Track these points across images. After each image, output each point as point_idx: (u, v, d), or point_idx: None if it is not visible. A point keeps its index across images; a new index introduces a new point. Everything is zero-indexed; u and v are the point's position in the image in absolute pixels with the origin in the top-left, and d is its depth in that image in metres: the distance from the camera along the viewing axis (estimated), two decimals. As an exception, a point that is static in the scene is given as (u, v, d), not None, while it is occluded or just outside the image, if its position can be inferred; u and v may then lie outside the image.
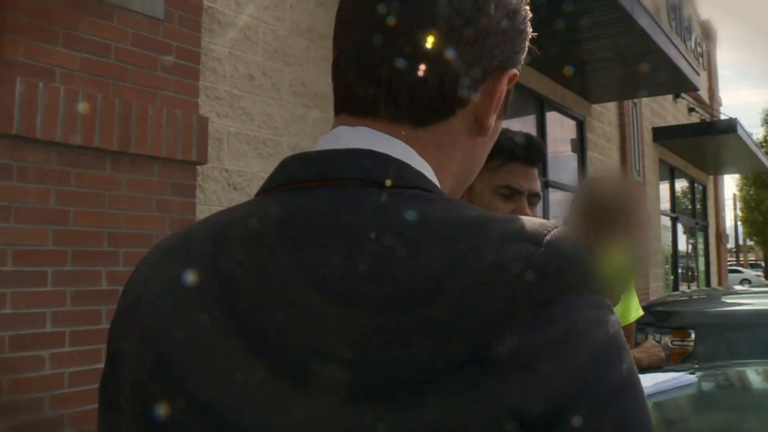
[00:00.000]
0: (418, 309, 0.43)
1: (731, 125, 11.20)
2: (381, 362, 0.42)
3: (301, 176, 0.56)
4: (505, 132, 1.48)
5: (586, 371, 0.42)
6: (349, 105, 0.61)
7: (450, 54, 0.59)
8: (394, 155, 0.57)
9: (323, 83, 4.45)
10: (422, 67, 0.58)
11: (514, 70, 0.64)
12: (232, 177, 3.78)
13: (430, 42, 0.58)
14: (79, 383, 2.76)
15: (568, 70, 6.86)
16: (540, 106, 7.65)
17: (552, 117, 8.03)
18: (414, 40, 0.58)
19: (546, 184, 7.43)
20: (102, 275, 2.89)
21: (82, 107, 2.76)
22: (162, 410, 0.48)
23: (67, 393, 2.72)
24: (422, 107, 0.59)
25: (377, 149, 0.57)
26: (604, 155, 9.18)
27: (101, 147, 2.87)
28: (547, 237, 0.47)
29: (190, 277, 0.52)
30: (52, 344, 2.70)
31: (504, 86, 0.63)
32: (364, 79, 0.60)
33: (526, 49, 0.68)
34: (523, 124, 7.22)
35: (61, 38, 2.83)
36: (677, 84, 8.58)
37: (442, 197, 0.54)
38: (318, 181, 0.55)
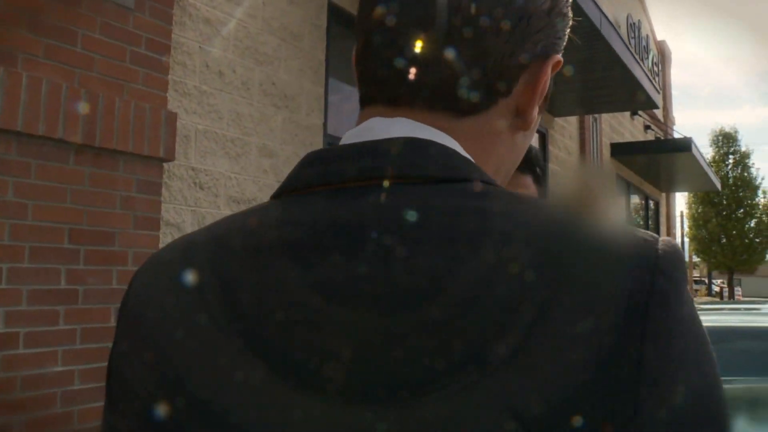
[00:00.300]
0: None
1: (686, 144, 11.48)
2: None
3: (305, 182, 0.54)
4: None
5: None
6: (382, 95, 0.58)
7: (492, 38, 0.55)
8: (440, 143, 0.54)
9: (294, 84, 4.36)
10: (462, 52, 0.54)
11: (558, 57, 0.61)
12: (198, 176, 3.65)
13: (470, 26, 0.54)
14: (33, 387, 2.60)
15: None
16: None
17: (516, 129, 8.05)
18: (452, 25, 0.54)
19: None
20: (61, 274, 2.74)
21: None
22: (162, 410, 0.47)
23: (21, 398, 2.56)
24: (463, 95, 0.56)
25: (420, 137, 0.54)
26: (565, 169, 9.27)
27: (65, 139, 2.72)
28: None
29: (191, 277, 0.51)
30: (5, 346, 2.54)
31: (548, 74, 0.60)
32: (399, 67, 0.56)
33: (567, 35, 0.64)
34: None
35: (25, 22, 2.69)
36: (639, 101, 8.74)
37: (493, 190, 0.51)
38: (340, 183, 0.53)
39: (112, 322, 2.88)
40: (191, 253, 0.54)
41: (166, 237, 3.36)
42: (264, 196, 4.14)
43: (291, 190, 0.55)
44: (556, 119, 9.01)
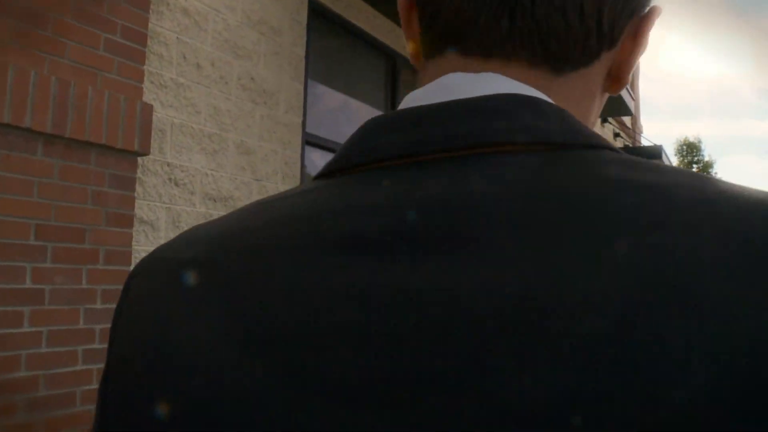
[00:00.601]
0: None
1: (656, 152, 11.60)
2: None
3: (372, 155, 0.45)
4: None
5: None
6: (467, 43, 0.47)
7: None
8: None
9: (273, 79, 4.23)
10: None
11: (659, 7, 0.54)
12: (174, 172, 3.49)
13: None
14: (-6, 394, 2.43)
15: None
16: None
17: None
18: None
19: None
20: (26, 272, 2.57)
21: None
22: (160, 411, 0.45)
23: (-20, 406, 2.38)
24: (570, 47, 0.46)
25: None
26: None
27: (33, 128, 2.55)
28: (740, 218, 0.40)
29: (190, 275, 0.48)
30: (-36, 349, 2.37)
31: (651, 27, 0.52)
32: (496, 8, 0.45)
33: None
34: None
35: (-8, 3, 2.52)
36: (614, 107, 8.79)
37: (633, 160, 0.42)
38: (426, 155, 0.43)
39: (81, 325, 2.71)
40: (194, 249, 0.49)
41: (140, 235, 3.20)
42: (241, 194, 3.99)
43: (353, 165, 0.45)
44: (531, 124, 9.01)
